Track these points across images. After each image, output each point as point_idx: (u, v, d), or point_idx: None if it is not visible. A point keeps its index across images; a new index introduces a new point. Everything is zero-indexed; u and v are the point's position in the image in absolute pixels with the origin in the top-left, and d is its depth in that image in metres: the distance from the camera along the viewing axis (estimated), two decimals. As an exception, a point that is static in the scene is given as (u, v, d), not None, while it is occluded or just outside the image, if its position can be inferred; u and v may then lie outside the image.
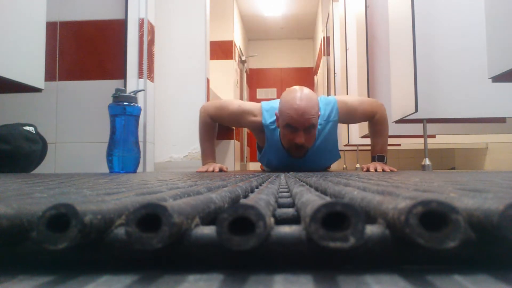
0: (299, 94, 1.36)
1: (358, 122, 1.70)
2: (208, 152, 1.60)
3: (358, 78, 2.58)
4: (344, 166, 3.72)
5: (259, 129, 1.56)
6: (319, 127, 1.49)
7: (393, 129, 2.15)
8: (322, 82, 4.80)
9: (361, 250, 0.19)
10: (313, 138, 1.42)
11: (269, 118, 1.51)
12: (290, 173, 1.21)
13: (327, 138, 1.54)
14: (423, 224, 0.17)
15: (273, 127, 1.51)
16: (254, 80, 6.56)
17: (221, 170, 1.49)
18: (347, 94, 2.86)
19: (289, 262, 0.19)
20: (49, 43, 1.72)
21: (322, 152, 1.57)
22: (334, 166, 3.95)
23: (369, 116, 1.58)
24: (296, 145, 1.41)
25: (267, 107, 1.54)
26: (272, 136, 1.52)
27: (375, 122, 1.57)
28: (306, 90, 1.40)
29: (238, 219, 0.18)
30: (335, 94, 3.36)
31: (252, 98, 6.47)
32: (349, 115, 1.56)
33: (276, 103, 1.50)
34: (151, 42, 1.86)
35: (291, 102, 1.35)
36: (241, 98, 5.24)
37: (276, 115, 1.45)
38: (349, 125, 2.92)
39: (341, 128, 3.23)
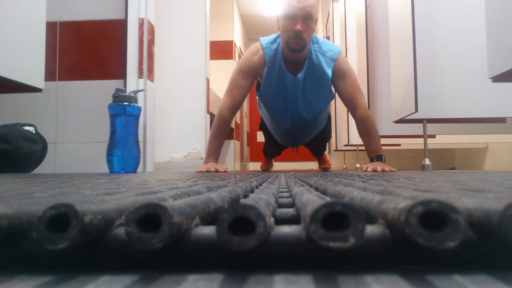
0: None
1: (340, 95, 1.67)
2: (213, 151, 1.60)
3: (358, 78, 2.57)
4: (344, 166, 3.72)
5: (263, 67, 1.62)
6: (312, 56, 1.57)
7: (393, 129, 2.15)
8: (322, 82, 4.79)
9: (361, 250, 0.19)
10: (311, 31, 1.51)
11: (267, 42, 1.61)
12: (290, 173, 1.22)
13: (320, 71, 1.59)
14: (423, 224, 0.17)
15: (273, 47, 1.59)
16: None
17: (217, 171, 1.49)
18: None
19: (289, 262, 0.19)
20: (49, 43, 1.72)
21: (316, 85, 1.62)
22: (334, 166, 3.95)
23: (351, 98, 1.59)
24: (295, 34, 1.47)
25: (264, 37, 1.64)
26: (273, 58, 1.59)
27: (360, 119, 1.57)
28: None
29: (238, 219, 0.18)
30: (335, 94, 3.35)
31: (252, 98, 6.46)
32: (340, 74, 1.60)
33: (274, 35, 1.62)
34: (151, 42, 1.86)
35: None
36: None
37: (276, 19, 1.55)
38: (349, 125, 2.92)
39: (341, 128, 3.23)
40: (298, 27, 1.46)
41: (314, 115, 1.77)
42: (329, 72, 1.60)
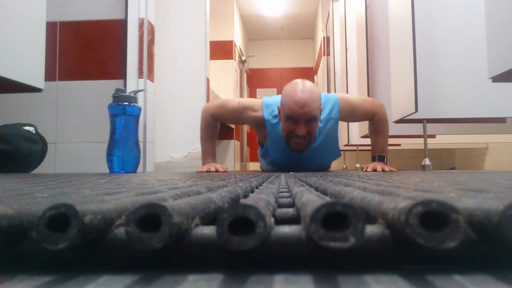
0: (300, 86, 1.36)
1: (358, 121, 1.71)
2: (209, 152, 1.61)
3: (358, 78, 2.58)
4: (344, 166, 3.72)
5: (260, 125, 1.57)
6: (320, 124, 1.49)
7: (393, 129, 2.15)
8: (322, 82, 4.80)
9: (361, 250, 0.19)
10: (314, 131, 1.42)
11: (270, 113, 1.51)
12: (290, 173, 1.21)
13: (328, 136, 1.54)
14: (423, 224, 0.17)
15: (274, 121, 1.51)
16: (254, 80, 6.56)
17: (217, 171, 1.49)
18: (347, 93, 2.86)
19: (289, 262, 0.19)
20: (49, 43, 1.72)
21: (323, 150, 1.58)
22: (334, 166, 3.95)
23: (369, 116, 1.58)
24: (297, 138, 1.40)
25: (268, 102, 1.53)
26: (274, 130, 1.52)
27: (375, 122, 1.58)
28: (308, 83, 1.39)
29: (238, 219, 0.18)
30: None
31: (252, 98, 6.47)
32: (350, 113, 1.57)
33: (277, 98, 1.50)
34: (151, 42, 1.86)
35: (293, 94, 1.34)
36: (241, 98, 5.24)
37: (278, 108, 1.45)
38: (349, 125, 2.92)
39: (341, 128, 3.23)
40: (301, 131, 1.37)
41: (320, 167, 1.72)
42: (336, 132, 1.58)
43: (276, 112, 1.48)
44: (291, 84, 1.41)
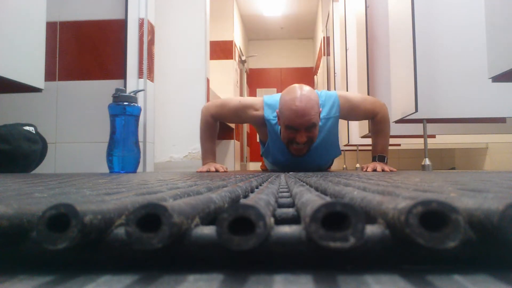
0: (298, 94, 1.35)
1: (359, 120, 1.70)
2: (209, 152, 1.60)
3: (358, 78, 2.58)
4: (344, 166, 3.72)
5: (261, 124, 1.56)
6: (320, 123, 1.48)
7: (393, 129, 2.14)
8: (322, 82, 4.80)
9: (361, 250, 0.19)
10: (315, 136, 1.42)
11: (271, 113, 1.51)
12: (290, 173, 1.21)
13: (328, 134, 1.54)
14: (423, 224, 0.17)
15: (275, 121, 1.50)
16: (254, 80, 6.56)
17: (217, 171, 1.49)
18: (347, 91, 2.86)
19: (289, 262, 0.19)
20: (49, 43, 1.72)
21: (323, 149, 1.58)
22: (334, 166, 3.95)
23: (370, 115, 1.58)
24: (297, 145, 1.41)
25: (269, 101, 1.53)
26: (274, 130, 1.52)
27: (377, 121, 1.57)
28: (305, 89, 1.38)
29: (238, 219, 0.18)
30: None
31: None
32: (350, 112, 1.56)
33: (278, 97, 1.49)
34: (151, 42, 1.86)
35: (290, 103, 1.34)
36: (241, 98, 5.23)
37: (277, 113, 1.45)
38: (349, 125, 2.92)
39: (341, 128, 3.23)
40: (301, 139, 1.37)
41: (319, 167, 1.73)
42: (336, 130, 1.58)
43: (276, 108, 1.48)
44: (289, 91, 1.40)
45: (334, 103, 1.52)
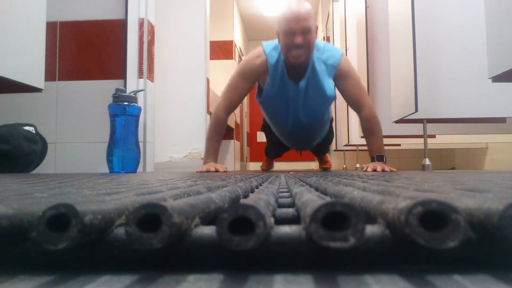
0: (293, 2, 1.47)
1: (345, 98, 1.67)
2: (212, 152, 1.60)
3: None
4: (344, 166, 3.72)
5: (263, 71, 1.61)
6: (317, 54, 1.57)
7: (393, 129, 2.15)
8: (322, 82, 4.79)
9: (361, 250, 0.19)
10: (311, 42, 1.49)
11: (270, 46, 1.61)
12: (290, 173, 1.21)
13: (321, 78, 1.58)
14: (423, 224, 0.17)
15: (275, 53, 1.58)
16: (254, 80, 6.54)
17: (217, 171, 1.49)
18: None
19: (289, 262, 0.19)
20: (49, 43, 1.72)
21: (317, 91, 1.61)
22: (334, 166, 3.95)
23: (357, 102, 1.59)
24: (296, 49, 1.47)
25: (267, 42, 1.64)
26: (275, 65, 1.58)
27: (364, 119, 1.57)
28: (302, 1, 1.50)
29: (238, 219, 0.18)
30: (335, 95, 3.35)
31: (252, 98, 6.46)
32: (344, 78, 1.60)
33: (276, 40, 1.60)
34: (151, 42, 1.86)
35: (287, 8, 1.47)
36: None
37: (277, 33, 1.53)
38: (349, 125, 2.92)
39: (341, 128, 3.23)
40: (298, 39, 1.46)
41: (315, 121, 1.78)
42: (330, 80, 1.61)
43: (276, 44, 1.59)
44: (284, 3, 1.51)
45: (335, 55, 1.60)
